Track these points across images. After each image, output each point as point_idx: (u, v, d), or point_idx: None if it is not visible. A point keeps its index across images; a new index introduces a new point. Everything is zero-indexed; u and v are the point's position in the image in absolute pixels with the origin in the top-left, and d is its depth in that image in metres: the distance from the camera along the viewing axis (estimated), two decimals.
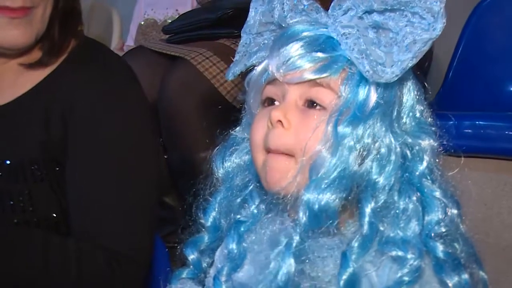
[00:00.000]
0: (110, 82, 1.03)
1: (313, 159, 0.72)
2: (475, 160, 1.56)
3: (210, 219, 0.83)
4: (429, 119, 0.77)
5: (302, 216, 0.71)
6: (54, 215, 0.99)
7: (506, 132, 1.54)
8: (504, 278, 1.53)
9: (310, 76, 0.73)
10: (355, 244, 0.71)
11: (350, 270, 0.70)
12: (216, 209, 0.83)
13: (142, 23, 2.49)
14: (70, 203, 0.99)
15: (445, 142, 0.76)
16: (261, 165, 0.76)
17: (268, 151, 0.75)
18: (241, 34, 0.84)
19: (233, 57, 1.81)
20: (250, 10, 0.83)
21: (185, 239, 0.86)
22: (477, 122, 1.57)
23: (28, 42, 1.00)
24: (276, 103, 0.77)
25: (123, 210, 0.99)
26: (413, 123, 0.76)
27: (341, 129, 0.71)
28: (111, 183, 0.99)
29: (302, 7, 0.78)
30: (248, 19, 0.84)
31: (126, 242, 0.98)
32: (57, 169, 1.00)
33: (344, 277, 0.70)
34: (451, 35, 2.05)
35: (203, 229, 0.84)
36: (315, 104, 0.74)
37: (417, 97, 0.76)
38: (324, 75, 0.73)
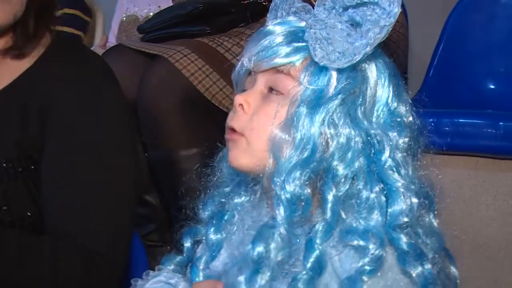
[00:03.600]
0: (88, 81, 1.02)
1: (272, 142, 0.75)
2: (454, 157, 1.57)
3: (208, 212, 0.85)
4: (407, 114, 0.78)
5: (279, 207, 0.73)
6: (29, 214, 0.99)
7: (484, 130, 1.55)
8: (482, 274, 1.55)
9: (272, 63, 0.77)
10: (319, 228, 0.73)
11: (316, 252, 0.72)
12: (216, 204, 0.85)
13: (124, 19, 2.47)
14: (46, 202, 0.99)
15: (424, 141, 0.78)
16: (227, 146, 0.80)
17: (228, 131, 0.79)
18: None
19: (212, 55, 1.80)
20: (267, 21, 0.86)
21: (181, 232, 0.87)
22: (455, 120, 1.58)
23: (7, 21, 0.99)
24: None
25: (99, 210, 0.98)
26: (386, 117, 0.77)
27: (299, 112, 0.74)
28: (88, 182, 0.98)
29: (294, 9, 0.83)
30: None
31: (103, 242, 0.97)
32: (33, 167, 0.99)
33: (311, 259, 0.72)
34: (432, 32, 2.06)
35: (201, 223, 0.86)
36: (273, 91, 0.78)
37: (394, 92, 0.78)
38: (286, 61, 0.77)
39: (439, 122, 1.56)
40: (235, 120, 0.78)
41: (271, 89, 0.78)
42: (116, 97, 1.06)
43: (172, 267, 0.86)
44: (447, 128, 1.57)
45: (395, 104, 0.77)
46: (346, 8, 0.76)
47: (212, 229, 0.83)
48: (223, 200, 0.84)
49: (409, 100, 0.79)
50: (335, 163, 0.74)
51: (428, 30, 2.09)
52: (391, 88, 0.77)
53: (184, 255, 0.86)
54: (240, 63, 0.82)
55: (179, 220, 0.87)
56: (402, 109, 0.78)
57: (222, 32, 1.69)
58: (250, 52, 0.79)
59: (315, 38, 0.75)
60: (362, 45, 0.73)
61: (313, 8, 0.80)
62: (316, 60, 0.75)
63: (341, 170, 0.74)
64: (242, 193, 0.84)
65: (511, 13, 1.97)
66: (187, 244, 0.86)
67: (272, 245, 0.72)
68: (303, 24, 0.79)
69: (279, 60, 0.77)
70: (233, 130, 0.78)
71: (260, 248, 0.72)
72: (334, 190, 0.73)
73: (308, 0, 0.82)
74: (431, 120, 1.56)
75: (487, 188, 1.57)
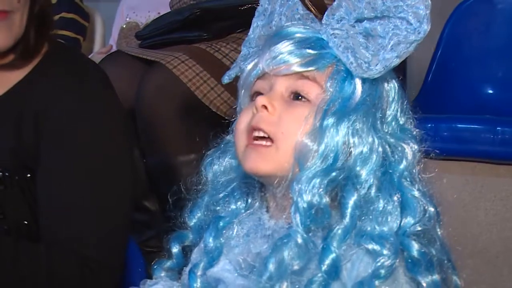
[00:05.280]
0: (84, 87, 1.03)
1: (300, 151, 0.74)
2: (452, 163, 1.57)
3: (195, 219, 0.84)
4: (413, 127, 0.79)
5: (295, 215, 0.72)
6: (26, 222, 0.99)
7: (482, 135, 1.55)
8: (481, 279, 1.55)
9: (297, 68, 0.76)
10: (337, 232, 0.72)
11: (332, 255, 0.71)
12: (202, 210, 0.84)
13: (124, 26, 2.47)
14: (41, 209, 0.99)
15: (426, 148, 0.78)
16: (242, 150, 0.78)
17: (251, 133, 0.77)
18: (242, 48, 0.88)
19: (210, 60, 1.81)
20: (252, 24, 0.87)
21: (168, 235, 0.87)
22: (453, 125, 1.59)
23: (7, 46, 1.00)
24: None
25: (95, 216, 0.98)
26: (396, 129, 0.78)
27: (327, 122, 0.73)
28: (83, 188, 0.98)
29: (299, 16, 0.82)
30: (249, 33, 0.87)
31: (98, 248, 0.97)
32: (29, 175, 0.99)
33: (327, 262, 0.71)
34: (430, 38, 2.05)
35: (188, 229, 0.85)
36: (300, 97, 0.76)
37: (402, 106, 0.79)
38: (311, 68, 0.76)
39: (437, 127, 1.56)
40: (262, 121, 0.76)
41: (295, 95, 0.77)
42: (112, 103, 1.06)
43: (163, 273, 0.86)
44: (445, 133, 1.57)
45: (403, 118, 0.78)
46: (361, 20, 0.76)
47: (210, 236, 0.81)
48: (217, 207, 0.83)
49: (412, 114, 0.80)
50: (357, 168, 0.74)
51: (427, 35, 2.09)
52: (399, 102, 0.78)
53: (174, 260, 0.86)
54: (252, 65, 0.80)
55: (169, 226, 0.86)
56: (409, 123, 0.79)
57: (219, 38, 1.70)
58: (266, 55, 0.77)
59: (344, 47, 0.75)
60: (392, 57, 0.73)
61: (316, 17, 0.80)
62: (351, 68, 0.74)
63: (363, 175, 0.74)
64: (238, 199, 0.83)
65: (508, 18, 1.98)
66: (175, 249, 0.85)
67: (286, 254, 0.71)
68: (320, 32, 0.78)
69: (303, 66, 0.76)
70: (257, 131, 0.76)
71: (274, 261, 0.71)
72: (355, 195, 0.73)
73: (308, 9, 0.82)
74: (429, 125, 1.57)
75: (485, 193, 1.57)
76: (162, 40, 1.76)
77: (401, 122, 0.78)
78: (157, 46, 1.76)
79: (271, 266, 0.72)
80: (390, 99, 0.78)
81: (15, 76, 1.03)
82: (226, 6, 1.68)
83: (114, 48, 2.46)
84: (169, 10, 2.06)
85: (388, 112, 0.78)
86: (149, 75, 1.65)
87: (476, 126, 1.58)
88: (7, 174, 0.99)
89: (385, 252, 0.71)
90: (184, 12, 1.73)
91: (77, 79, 1.03)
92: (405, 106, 0.79)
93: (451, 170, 1.56)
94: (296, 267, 0.72)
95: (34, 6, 1.02)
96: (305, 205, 0.72)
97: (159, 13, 2.32)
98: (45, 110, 0.99)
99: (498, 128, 1.54)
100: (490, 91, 1.96)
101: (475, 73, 1.97)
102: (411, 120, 0.79)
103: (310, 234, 0.73)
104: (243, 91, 0.82)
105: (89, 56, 1.81)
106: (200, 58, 1.63)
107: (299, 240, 0.72)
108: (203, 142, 0.87)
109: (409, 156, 0.76)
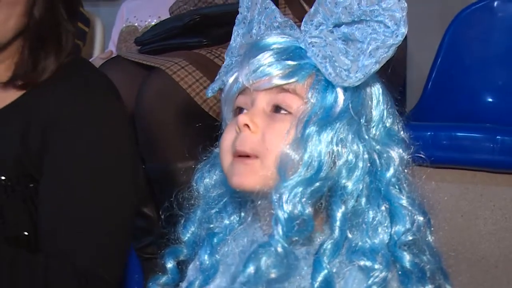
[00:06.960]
0: (92, 99, 1.02)
1: (281, 161, 0.73)
2: (452, 172, 1.57)
3: (188, 234, 0.84)
4: (400, 130, 0.78)
5: (277, 226, 0.71)
6: (26, 233, 0.98)
7: (482, 143, 1.55)
8: None
9: (277, 82, 0.75)
10: (327, 246, 0.72)
11: (324, 272, 0.71)
12: (196, 225, 0.84)
13: (124, 29, 2.47)
14: (40, 219, 0.98)
15: (416, 153, 0.77)
16: (228, 167, 0.77)
17: (235, 154, 0.76)
18: (225, 57, 0.87)
19: (210, 66, 1.80)
20: (233, 33, 0.86)
21: (163, 250, 0.86)
22: (453, 133, 1.59)
23: None
24: (245, 111, 0.78)
25: (95, 228, 0.98)
26: (382, 134, 0.77)
27: (309, 131, 0.73)
28: (85, 201, 0.98)
29: (277, 24, 0.81)
30: (231, 42, 0.86)
31: (97, 261, 0.97)
32: (31, 185, 0.99)
33: (319, 279, 0.70)
34: (430, 46, 2.07)
35: (182, 244, 0.84)
36: (281, 110, 0.76)
37: (388, 109, 0.78)
38: (291, 80, 0.75)
39: (437, 136, 1.56)
40: (246, 143, 0.75)
41: (276, 108, 0.76)
42: (119, 115, 1.06)
43: None
44: (444, 142, 1.57)
45: (389, 121, 0.78)
46: (338, 25, 0.76)
47: (205, 253, 0.81)
48: (210, 224, 0.82)
49: (399, 116, 0.79)
50: (343, 180, 0.73)
51: (427, 44, 2.10)
52: (385, 106, 0.78)
53: (169, 276, 0.84)
54: (232, 79, 0.79)
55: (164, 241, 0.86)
56: (396, 125, 0.78)
57: (219, 44, 1.70)
58: (246, 68, 0.77)
59: (323, 57, 0.74)
60: (371, 63, 0.72)
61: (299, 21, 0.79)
62: (330, 78, 0.74)
63: (350, 187, 0.73)
64: (231, 214, 0.82)
65: (508, 26, 1.98)
66: (170, 265, 0.84)
67: (264, 260, 0.70)
68: (298, 40, 0.77)
69: (284, 79, 0.75)
70: (242, 153, 0.75)
71: (251, 268, 0.71)
72: (343, 207, 0.72)
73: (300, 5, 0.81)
74: (428, 133, 1.57)
75: (485, 202, 1.57)
76: (162, 46, 1.76)
77: (387, 125, 0.77)
78: (157, 52, 1.76)
79: (250, 270, 0.71)
80: (375, 103, 0.77)
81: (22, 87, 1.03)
82: (226, 12, 1.68)
83: (114, 51, 2.46)
84: (169, 15, 2.07)
85: (373, 117, 0.77)
86: (149, 80, 1.64)
87: (475, 135, 1.58)
88: (9, 183, 0.98)
89: (376, 266, 0.70)
90: (184, 18, 1.73)
91: (84, 90, 1.02)
92: (390, 109, 0.78)
93: (450, 179, 1.56)
94: (272, 275, 0.71)
95: (28, 31, 1.00)
96: (285, 215, 0.71)
97: (159, 17, 2.32)
98: (53, 121, 0.99)
99: (498, 136, 1.54)
100: (490, 100, 1.96)
101: (475, 81, 1.97)
102: (397, 121, 0.78)
103: (291, 245, 0.72)
104: (226, 106, 0.82)
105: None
106: (200, 64, 1.63)
107: (279, 250, 0.71)
108: (202, 148, 0.87)
109: (396, 161, 0.75)
